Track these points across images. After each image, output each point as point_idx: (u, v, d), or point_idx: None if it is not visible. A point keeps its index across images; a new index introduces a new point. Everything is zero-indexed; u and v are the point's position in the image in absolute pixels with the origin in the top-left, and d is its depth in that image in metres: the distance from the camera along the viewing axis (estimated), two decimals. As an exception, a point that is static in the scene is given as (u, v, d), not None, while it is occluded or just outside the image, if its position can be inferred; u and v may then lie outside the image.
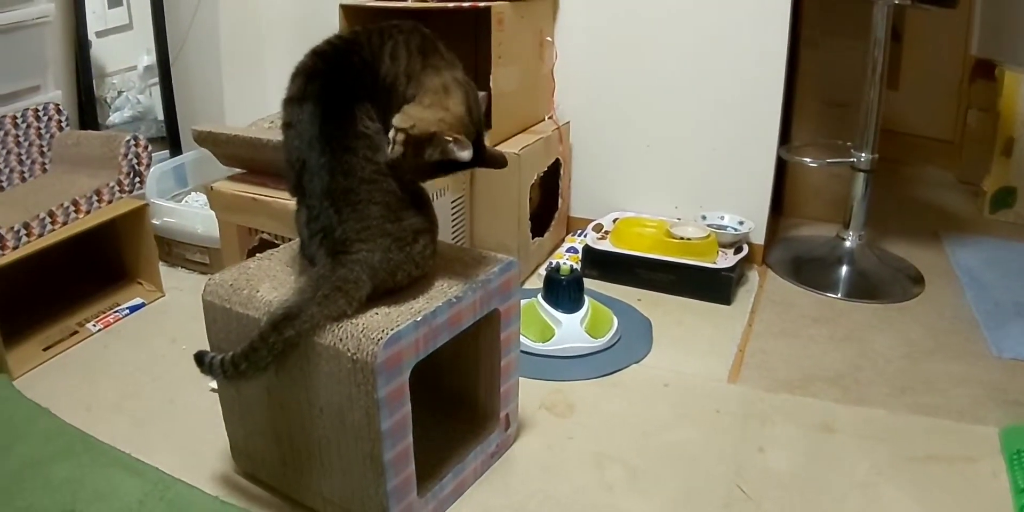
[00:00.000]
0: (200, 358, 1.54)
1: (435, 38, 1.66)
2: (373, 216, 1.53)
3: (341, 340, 1.48)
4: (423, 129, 1.52)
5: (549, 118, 2.99)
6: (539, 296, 2.44)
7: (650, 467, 1.89)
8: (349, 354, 1.46)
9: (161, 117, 3.52)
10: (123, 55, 3.51)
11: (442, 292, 1.63)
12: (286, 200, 2.15)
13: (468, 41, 2.90)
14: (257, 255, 1.84)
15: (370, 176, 1.53)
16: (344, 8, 2.69)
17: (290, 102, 1.60)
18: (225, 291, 1.67)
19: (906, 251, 3.07)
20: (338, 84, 1.57)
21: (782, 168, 3.11)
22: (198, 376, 1.53)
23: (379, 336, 1.45)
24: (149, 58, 3.53)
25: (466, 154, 1.53)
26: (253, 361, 1.46)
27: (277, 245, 2.21)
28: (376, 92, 1.58)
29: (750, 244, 2.86)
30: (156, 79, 3.49)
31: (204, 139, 2.36)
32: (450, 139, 1.53)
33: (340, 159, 1.52)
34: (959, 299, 2.72)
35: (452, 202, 2.60)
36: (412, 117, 1.53)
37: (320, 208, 1.53)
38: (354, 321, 1.50)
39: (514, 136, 2.76)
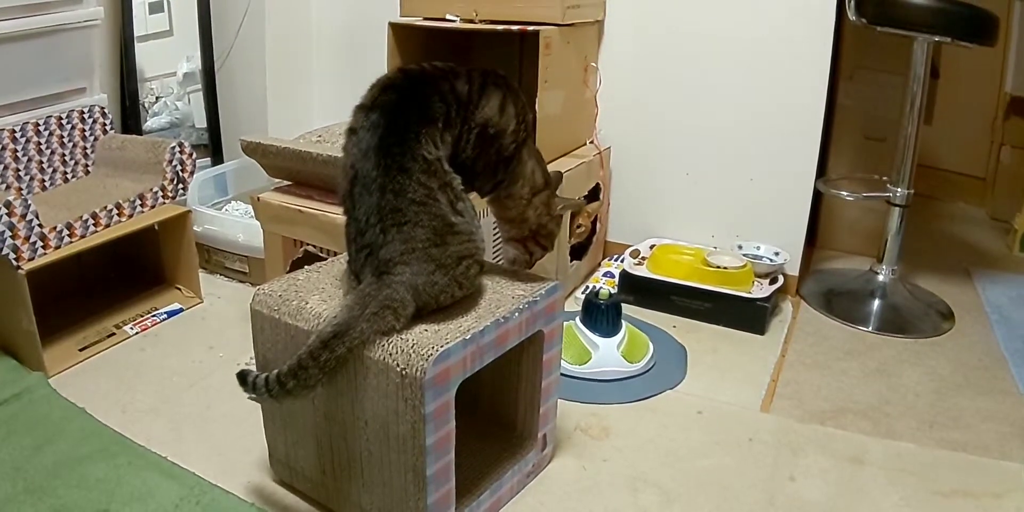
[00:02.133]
0: (243, 377, 1.54)
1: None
2: (419, 239, 1.54)
3: (391, 355, 1.49)
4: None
5: (591, 143, 2.99)
6: (577, 319, 2.45)
7: (684, 492, 1.90)
8: (398, 369, 1.48)
9: (198, 124, 3.54)
10: (162, 61, 3.53)
11: (490, 312, 1.64)
12: (332, 213, 2.18)
13: (512, 63, 2.93)
14: (306, 267, 1.86)
15: (421, 198, 1.54)
16: (393, 26, 2.71)
17: (360, 108, 1.62)
18: (274, 301, 1.69)
19: (937, 287, 3.07)
20: (413, 103, 1.59)
21: (818, 200, 3.11)
22: (235, 384, 1.54)
23: (429, 352, 1.47)
24: (189, 65, 3.55)
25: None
26: (302, 379, 1.46)
27: (321, 257, 2.24)
28: (460, 129, 1.63)
29: (785, 275, 2.86)
30: (195, 86, 3.51)
31: (253, 150, 2.37)
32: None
33: (393, 177, 1.53)
34: (988, 336, 2.72)
35: (494, 223, 2.59)
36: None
37: (367, 224, 1.55)
38: (404, 337, 1.52)
39: (556, 159, 2.77)
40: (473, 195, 1.72)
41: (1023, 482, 1.97)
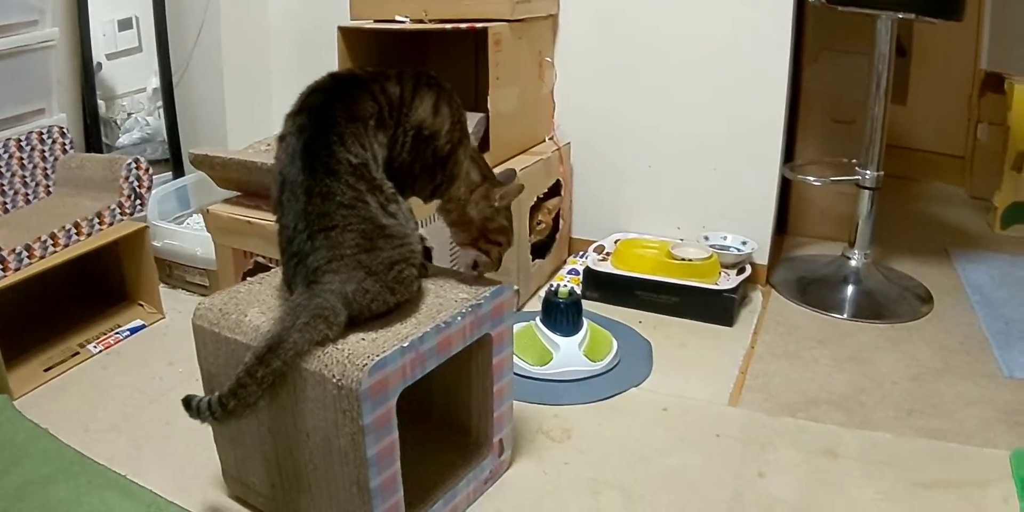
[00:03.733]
0: (187, 403, 1.51)
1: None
2: (347, 245, 1.51)
3: (327, 366, 1.47)
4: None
5: (549, 139, 2.98)
6: (537, 319, 2.42)
7: (646, 493, 1.87)
8: (334, 380, 1.45)
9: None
10: (133, 77, 3.53)
11: (431, 317, 1.61)
12: (276, 219, 2.15)
13: (469, 62, 2.91)
14: (248, 279, 1.84)
15: (349, 201, 1.51)
16: (343, 30, 2.69)
17: (289, 115, 1.61)
18: (214, 315, 1.67)
19: (915, 269, 3.04)
20: (340, 104, 1.57)
21: (787, 187, 3.09)
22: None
23: (364, 362, 1.44)
24: (158, 80, 3.54)
25: None
26: (242, 397, 1.44)
27: (271, 268, 2.21)
28: (395, 131, 1.61)
29: (753, 264, 2.84)
30: (163, 101, 3.52)
31: (200, 162, 2.36)
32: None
33: (319, 180, 1.51)
34: (969, 318, 2.70)
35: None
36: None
37: (295, 231, 1.53)
38: (339, 347, 1.49)
39: (513, 157, 2.75)
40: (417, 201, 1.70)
41: (1008, 469, 1.92)
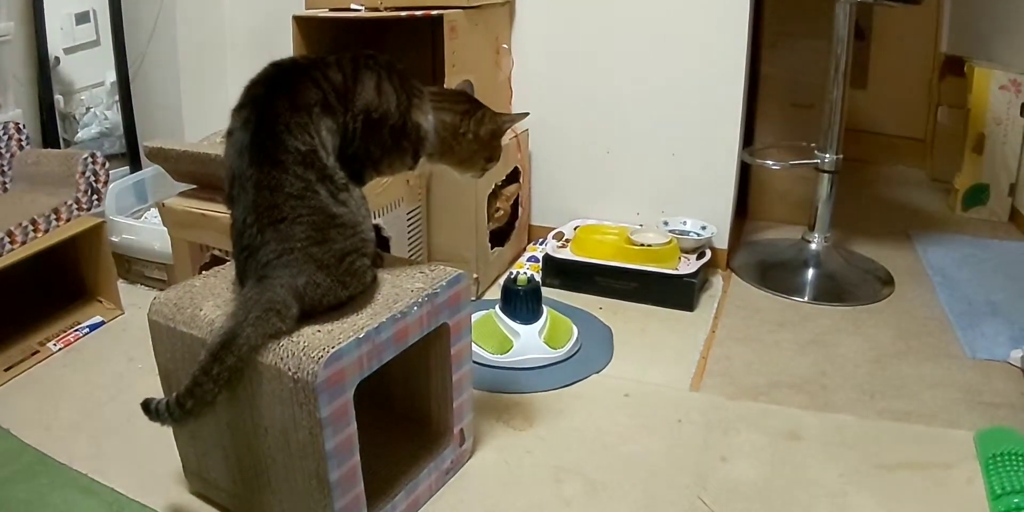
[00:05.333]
0: (146, 406, 1.50)
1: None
2: (296, 238, 1.50)
3: (282, 359, 1.46)
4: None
5: (504, 125, 2.95)
6: (497, 307, 2.42)
7: (609, 480, 1.87)
8: (290, 373, 1.44)
9: (129, 133, 3.52)
10: (91, 71, 3.51)
11: (386, 307, 1.60)
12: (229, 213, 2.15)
13: (426, 49, 2.89)
14: (203, 273, 1.83)
15: (298, 192, 1.50)
16: (297, 19, 2.67)
17: (234, 110, 1.59)
18: (170, 310, 1.65)
19: (876, 252, 3.05)
20: (282, 93, 1.55)
21: (747, 171, 3.10)
22: (156, 394, 1.51)
23: (319, 355, 1.43)
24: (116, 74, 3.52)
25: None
26: (199, 396, 1.42)
27: (227, 260, 2.20)
28: (344, 117, 1.59)
29: (713, 249, 2.85)
30: (122, 95, 3.49)
31: (155, 155, 2.34)
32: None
33: (267, 172, 1.50)
34: (931, 299, 2.71)
35: (408, 213, 2.58)
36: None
37: (245, 225, 1.52)
38: (295, 340, 1.48)
39: (470, 146, 2.73)
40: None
41: (972, 450, 1.93)
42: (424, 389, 1.88)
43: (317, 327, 1.52)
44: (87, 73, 3.49)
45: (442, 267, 1.79)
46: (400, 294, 1.66)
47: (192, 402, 1.43)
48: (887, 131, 3.95)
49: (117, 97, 3.48)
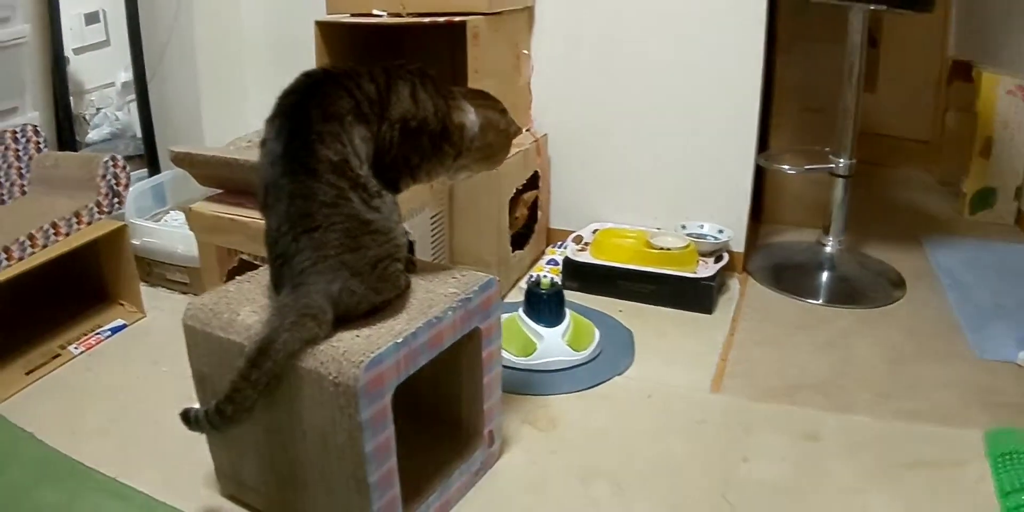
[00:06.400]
0: (185, 416, 1.51)
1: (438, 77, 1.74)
2: (331, 245, 1.51)
3: (322, 364, 1.47)
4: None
5: (527, 131, 2.97)
6: (520, 310, 2.44)
7: (635, 480, 1.89)
8: (331, 378, 1.46)
9: (139, 134, 3.51)
10: (101, 72, 3.51)
11: (422, 312, 1.62)
12: (263, 220, 2.14)
13: (445, 55, 2.91)
14: (236, 278, 1.84)
15: (331, 200, 1.51)
16: (320, 25, 2.69)
17: (268, 120, 1.61)
18: (205, 315, 1.67)
19: (886, 254, 3.08)
20: (314, 103, 1.56)
21: (761, 175, 3.12)
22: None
23: (360, 359, 1.45)
24: (127, 74, 3.52)
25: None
26: (238, 402, 1.44)
27: (256, 266, 2.21)
28: (379, 126, 1.61)
29: (730, 252, 2.87)
30: (134, 96, 3.48)
31: (181, 160, 2.35)
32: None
33: (300, 181, 1.51)
34: (940, 301, 2.73)
35: (431, 217, 2.60)
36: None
37: (279, 233, 1.53)
38: (335, 344, 1.50)
39: (492, 149, 2.74)
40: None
41: (983, 449, 1.95)
42: (455, 391, 1.90)
43: (356, 332, 1.54)
44: (97, 74, 3.50)
45: (473, 272, 1.82)
46: (434, 299, 1.68)
47: (232, 408, 1.44)
48: (895, 134, 3.96)
49: (128, 98, 3.49)
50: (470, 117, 1.73)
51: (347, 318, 1.56)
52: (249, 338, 1.55)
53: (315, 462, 1.59)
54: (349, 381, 1.44)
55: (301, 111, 1.56)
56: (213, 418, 1.45)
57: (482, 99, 1.80)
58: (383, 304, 1.62)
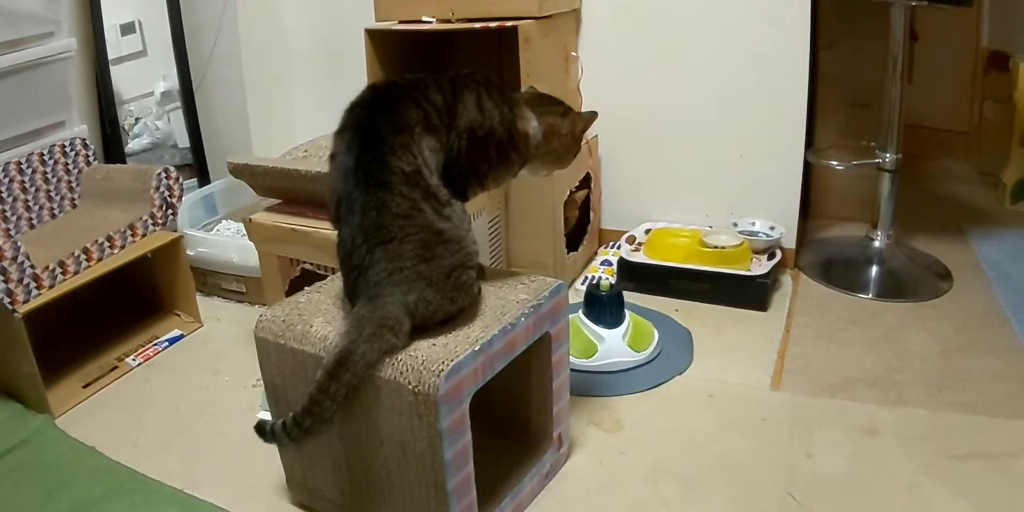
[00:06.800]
0: (261, 429, 1.52)
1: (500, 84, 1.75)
2: (406, 256, 1.52)
3: (401, 373, 1.49)
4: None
5: (579, 132, 2.98)
6: (580, 312, 2.44)
7: (703, 479, 1.91)
8: (410, 387, 1.47)
9: (180, 143, 3.53)
10: (139, 82, 3.52)
11: (496, 319, 1.64)
12: (326, 230, 2.15)
13: (492, 60, 2.93)
14: (306, 288, 1.85)
15: (405, 211, 1.52)
16: (370, 32, 2.69)
17: (336, 133, 1.61)
18: (278, 327, 1.68)
19: (932, 247, 3.08)
20: (383, 115, 1.58)
21: (807, 170, 3.11)
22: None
23: (440, 368, 1.47)
24: (165, 84, 3.54)
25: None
26: (317, 414, 1.45)
27: (320, 275, 2.23)
28: (447, 136, 1.62)
29: (782, 248, 2.88)
30: (173, 104, 3.50)
31: (240, 171, 2.36)
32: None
33: (373, 194, 1.52)
34: (987, 293, 2.74)
35: (489, 222, 2.62)
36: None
37: (353, 246, 1.54)
38: (413, 354, 1.51)
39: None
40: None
41: (1036, 440, 1.97)
42: (524, 396, 1.92)
43: (432, 341, 1.55)
44: (135, 84, 3.51)
45: (541, 278, 1.83)
46: (507, 306, 1.69)
47: (311, 421, 1.45)
48: (933, 125, 3.95)
49: (168, 107, 3.51)
50: (533, 125, 1.74)
51: (423, 328, 1.58)
52: (324, 350, 1.57)
53: (393, 470, 1.60)
54: (429, 390, 1.45)
55: (371, 124, 1.57)
56: (291, 430, 1.46)
57: (543, 104, 1.81)
58: (458, 312, 1.63)
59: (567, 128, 1.80)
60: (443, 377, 1.45)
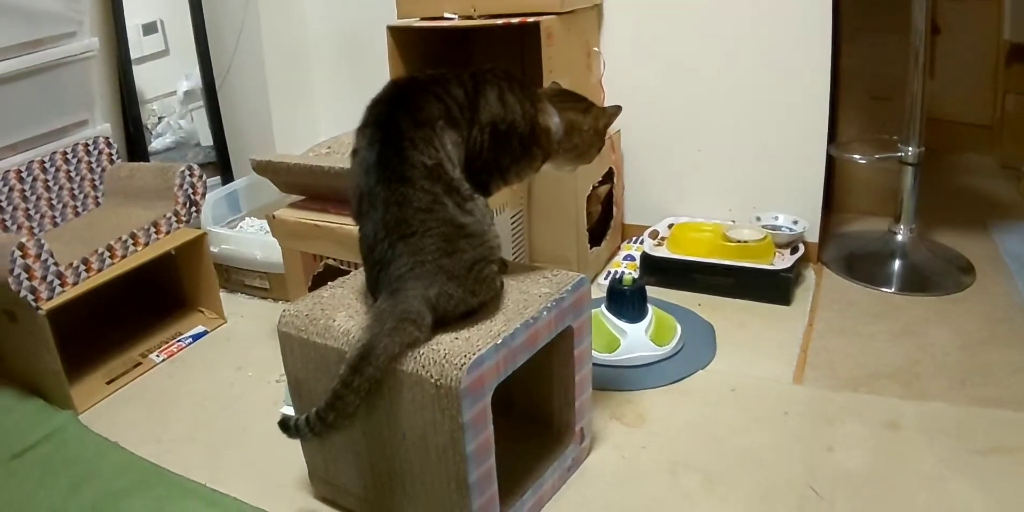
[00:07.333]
0: (284, 424, 1.53)
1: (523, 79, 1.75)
2: (427, 250, 1.53)
3: (424, 367, 1.49)
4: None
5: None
6: (603, 307, 2.44)
7: (724, 473, 1.91)
8: (433, 380, 1.48)
9: (204, 142, 3.55)
10: (161, 81, 3.54)
11: (518, 313, 1.64)
12: (349, 225, 2.15)
13: (514, 55, 2.93)
14: (329, 284, 1.86)
15: (426, 205, 1.53)
16: (392, 29, 2.71)
17: (359, 129, 1.62)
18: (301, 322, 1.69)
19: (954, 241, 3.06)
20: (405, 110, 1.58)
21: (830, 164, 3.11)
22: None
23: (462, 361, 1.47)
24: (188, 83, 3.55)
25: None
26: (340, 409, 1.46)
27: (343, 270, 2.24)
28: (469, 131, 1.62)
29: (805, 243, 2.87)
30: (196, 103, 3.52)
31: (264, 168, 2.38)
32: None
33: (395, 189, 1.53)
34: (1010, 287, 2.72)
35: (511, 217, 2.63)
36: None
37: (376, 240, 1.55)
38: (435, 347, 1.52)
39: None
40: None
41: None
42: (547, 390, 1.92)
43: (454, 334, 1.56)
44: (157, 83, 3.53)
45: (564, 272, 1.83)
46: (529, 300, 1.70)
47: (334, 415, 1.46)
48: (955, 119, 3.92)
49: (191, 106, 3.52)
50: (555, 120, 1.74)
51: (445, 321, 1.58)
52: (347, 344, 1.57)
53: (415, 463, 1.61)
54: (451, 383, 1.46)
55: (392, 119, 1.58)
56: (315, 425, 1.47)
57: (565, 100, 1.81)
58: (479, 306, 1.64)
59: (589, 124, 1.80)
60: (465, 370, 1.46)
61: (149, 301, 2.79)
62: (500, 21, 2.60)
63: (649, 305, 2.44)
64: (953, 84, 3.80)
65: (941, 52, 3.74)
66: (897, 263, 2.88)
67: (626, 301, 2.39)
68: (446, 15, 2.70)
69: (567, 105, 1.79)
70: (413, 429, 1.56)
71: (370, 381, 1.47)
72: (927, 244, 2.98)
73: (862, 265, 2.90)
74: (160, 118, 3.60)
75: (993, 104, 3.87)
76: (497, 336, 1.55)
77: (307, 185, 2.37)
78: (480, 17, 2.66)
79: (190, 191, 2.63)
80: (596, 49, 2.98)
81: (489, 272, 1.63)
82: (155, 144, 3.53)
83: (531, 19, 2.55)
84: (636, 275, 2.48)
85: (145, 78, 3.40)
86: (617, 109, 1.87)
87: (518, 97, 1.68)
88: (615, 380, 2.29)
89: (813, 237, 2.94)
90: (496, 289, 1.68)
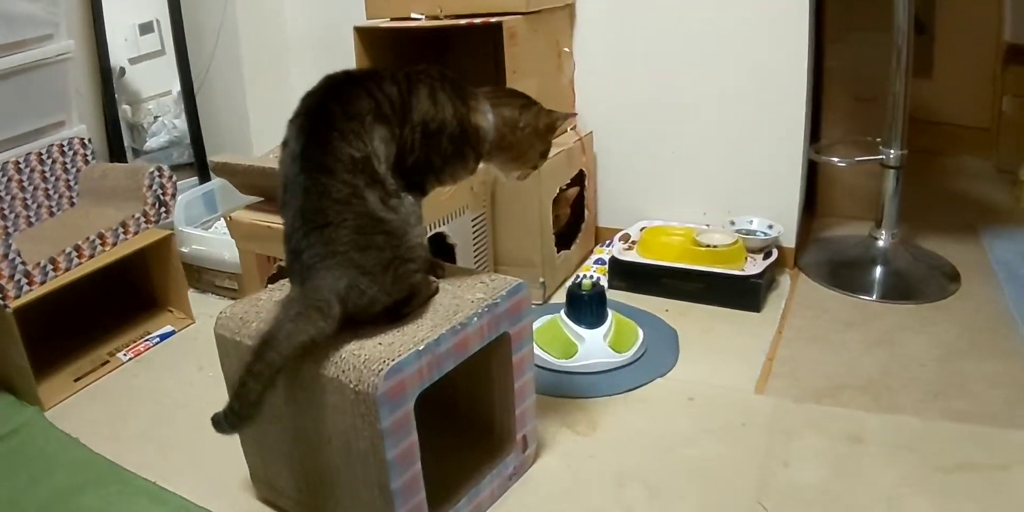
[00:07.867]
0: (214, 420, 1.52)
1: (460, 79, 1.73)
2: (340, 242, 1.51)
3: (343, 372, 1.48)
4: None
5: (571, 129, 2.96)
6: (562, 312, 2.42)
7: (670, 485, 1.87)
8: (351, 386, 1.46)
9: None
10: (157, 81, 3.54)
11: (446, 319, 1.62)
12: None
13: (488, 56, 2.90)
14: (269, 286, 1.86)
15: (344, 197, 1.51)
16: (359, 30, 2.69)
17: (290, 120, 1.61)
18: (235, 324, 1.69)
19: (942, 246, 3.01)
20: (335, 102, 1.57)
21: (815, 167, 3.07)
22: (224, 402, 1.52)
23: (380, 367, 1.45)
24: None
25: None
26: (243, 396, 1.44)
27: (295, 273, 2.22)
28: (401, 129, 1.60)
29: (781, 247, 2.83)
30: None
31: (221, 170, 2.39)
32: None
33: (316, 178, 1.52)
34: (996, 295, 2.67)
35: (472, 220, 2.60)
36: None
37: (293, 228, 1.54)
38: (356, 352, 1.50)
39: (535, 149, 2.74)
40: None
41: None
42: (487, 396, 1.90)
43: (378, 340, 1.54)
44: (153, 82, 3.53)
45: (503, 277, 1.80)
46: (460, 305, 1.67)
47: (239, 404, 1.45)
48: (952, 121, 3.89)
49: (185, 106, 3.53)
50: (487, 118, 1.71)
51: (360, 318, 1.57)
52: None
53: (341, 468, 1.60)
54: (369, 389, 1.44)
55: (322, 110, 1.57)
56: (229, 416, 1.47)
57: (502, 97, 1.78)
58: (397, 306, 1.62)
59: (526, 121, 1.76)
60: (382, 377, 1.44)
61: (119, 301, 2.79)
62: (463, 21, 2.58)
63: (610, 310, 2.41)
64: (951, 86, 3.78)
65: (939, 53, 3.70)
66: (878, 269, 2.83)
67: (584, 306, 2.37)
68: (413, 15, 2.69)
69: (503, 101, 1.76)
70: (337, 434, 1.55)
71: (271, 367, 1.44)
72: (911, 250, 2.93)
73: (841, 271, 2.86)
74: (156, 117, 3.60)
75: (991, 106, 3.83)
76: (420, 342, 1.53)
77: (263, 187, 2.37)
78: (446, 17, 2.64)
79: (159, 191, 2.64)
80: (567, 49, 2.95)
81: (405, 271, 1.60)
82: (150, 143, 3.53)
83: (494, 19, 2.53)
84: (597, 279, 2.45)
85: (141, 77, 3.41)
86: (567, 114, 1.85)
87: (450, 96, 1.66)
88: (570, 387, 2.26)
89: (789, 242, 2.90)
90: (417, 290, 1.66)
